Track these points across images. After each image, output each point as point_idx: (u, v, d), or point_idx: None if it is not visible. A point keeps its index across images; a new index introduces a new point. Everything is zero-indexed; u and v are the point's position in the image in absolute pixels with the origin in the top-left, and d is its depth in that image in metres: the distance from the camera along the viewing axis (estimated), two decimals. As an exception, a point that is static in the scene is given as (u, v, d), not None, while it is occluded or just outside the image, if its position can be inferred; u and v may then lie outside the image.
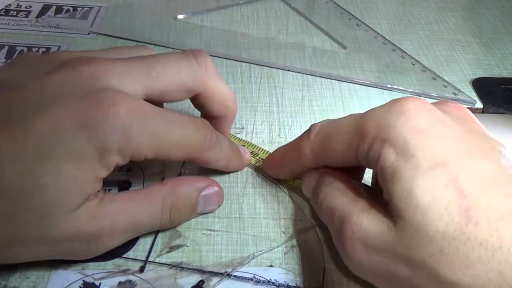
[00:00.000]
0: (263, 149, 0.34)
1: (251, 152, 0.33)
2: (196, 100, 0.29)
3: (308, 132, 0.28)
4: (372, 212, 0.23)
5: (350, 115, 0.26)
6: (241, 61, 0.43)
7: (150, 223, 0.27)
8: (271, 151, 0.33)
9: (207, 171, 0.31)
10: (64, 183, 0.23)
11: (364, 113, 0.25)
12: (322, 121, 0.28)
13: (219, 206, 0.30)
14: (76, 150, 0.23)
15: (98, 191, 0.25)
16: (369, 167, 0.26)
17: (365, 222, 0.23)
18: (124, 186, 0.31)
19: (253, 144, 0.34)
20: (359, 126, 0.25)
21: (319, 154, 0.28)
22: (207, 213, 0.29)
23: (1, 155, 0.22)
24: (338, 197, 0.26)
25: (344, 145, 0.26)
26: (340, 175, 0.27)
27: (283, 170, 0.31)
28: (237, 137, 0.35)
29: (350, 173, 0.28)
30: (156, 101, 0.27)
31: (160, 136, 0.25)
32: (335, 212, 0.25)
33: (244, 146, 0.33)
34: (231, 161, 0.31)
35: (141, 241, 0.28)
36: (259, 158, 0.33)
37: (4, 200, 0.22)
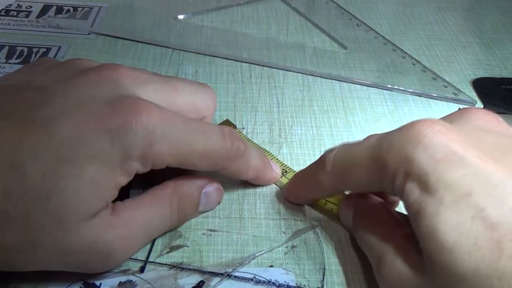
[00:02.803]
0: (289, 168, 0.33)
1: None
2: None
3: (322, 162, 0.27)
4: (405, 253, 0.23)
5: (365, 141, 0.25)
6: (242, 61, 0.43)
7: (162, 225, 0.27)
8: (296, 169, 0.32)
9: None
10: (84, 186, 0.22)
11: (380, 140, 0.24)
12: (336, 149, 0.27)
13: (219, 203, 0.30)
14: (98, 154, 0.23)
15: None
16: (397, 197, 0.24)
17: (398, 265, 0.23)
18: (123, 187, 0.30)
19: (280, 161, 0.33)
20: (377, 158, 0.23)
21: (339, 185, 0.27)
22: (208, 210, 0.30)
23: (23, 155, 0.22)
24: (374, 235, 0.25)
25: (365, 178, 0.25)
26: (376, 206, 0.26)
27: (303, 198, 0.30)
28: (268, 151, 0.34)
29: (386, 197, 0.27)
30: None
31: (183, 144, 0.25)
32: (372, 249, 0.25)
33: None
34: (261, 173, 0.30)
35: (142, 241, 0.28)
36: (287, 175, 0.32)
37: (23, 200, 0.22)
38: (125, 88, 0.25)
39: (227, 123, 0.36)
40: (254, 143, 0.34)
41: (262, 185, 0.31)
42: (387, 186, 0.23)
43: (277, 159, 0.33)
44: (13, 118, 0.23)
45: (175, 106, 0.27)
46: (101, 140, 0.23)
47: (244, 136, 0.35)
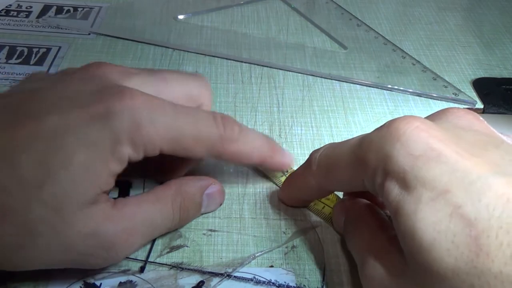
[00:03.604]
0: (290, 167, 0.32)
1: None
2: None
3: (309, 162, 0.27)
4: (388, 254, 0.23)
5: (348, 141, 0.25)
6: (242, 62, 0.43)
7: (163, 225, 0.27)
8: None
9: (208, 171, 0.31)
10: (76, 173, 0.23)
11: (361, 139, 0.24)
12: (322, 148, 0.27)
13: (220, 205, 0.30)
14: (87, 139, 0.23)
15: (111, 196, 0.25)
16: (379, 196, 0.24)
17: (380, 265, 0.22)
18: (124, 186, 0.30)
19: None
20: (358, 157, 0.23)
21: (325, 184, 0.27)
22: (209, 212, 0.30)
23: (14, 146, 0.22)
24: (360, 236, 0.25)
25: (347, 177, 0.25)
26: (364, 208, 0.26)
27: (295, 200, 0.30)
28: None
29: (376, 198, 0.27)
30: None
31: (172, 126, 0.25)
32: (358, 252, 0.25)
33: None
34: (268, 157, 0.29)
35: (142, 242, 0.28)
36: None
37: (17, 191, 0.22)
38: (112, 81, 0.26)
39: None
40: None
41: (275, 171, 0.31)
42: (369, 185, 0.23)
43: None
44: (7, 115, 0.24)
45: (166, 96, 0.27)
46: (89, 126, 0.23)
47: None
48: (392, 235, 0.23)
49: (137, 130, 0.24)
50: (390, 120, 0.23)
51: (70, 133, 0.23)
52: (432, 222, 0.20)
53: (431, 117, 0.25)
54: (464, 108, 0.24)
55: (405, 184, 0.21)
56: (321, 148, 0.27)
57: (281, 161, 0.30)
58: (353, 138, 0.25)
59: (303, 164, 0.28)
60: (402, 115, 0.37)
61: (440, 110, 0.25)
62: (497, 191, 0.19)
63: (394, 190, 0.21)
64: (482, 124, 0.24)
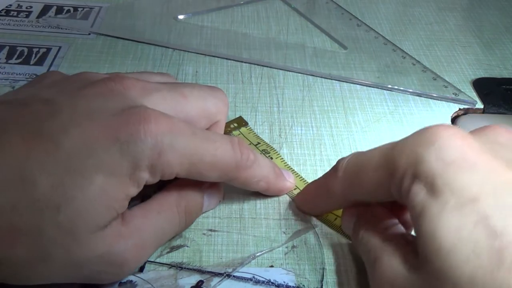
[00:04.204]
0: (290, 167, 0.33)
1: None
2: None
3: (335, 168, 0.27)
4: (402, 254, 0.22)
5: (379, 147, 0.25)
6: (242, 62, 0.43)
7: (171, 231, 0.27)
8: (308, 180, 0.31)
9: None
10: (93, 197, 0.22)
11: (394, 144, 0.24)
12: (349, 155, 0.27)
13: (220, 202, 0.30)
14: (107, 164, 0.22)
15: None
16: (404, 204, 0.24)
17: (395, 264, 0.22)
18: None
19: (285, 161, 0.33)
20: (389, 160, 0.23)
21: (349, 192, 0.26)
22: (209, 210, 0.30)
23: (31, 167, 0.22)
24: (374, 237, 0.25)
25: (375, 182, 0.24)
26: (379, 212, 0.26)
27: (314, 208, 0.30)
28: (285, 162, 0.33)
29: (391, 209, 0.27)
30: None
31: (192, 153, 0.25)
32: (370, 251, 0.25)
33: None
34: (272, 183, 0.30)
35: (142, 241, 0.28)
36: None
37: (31, 212, 0.21)
38: (132, 99, 0.25)
39: (240, 120, 0.36)
40: (265, 142, 0.34)
41: (275, 196, 0.31)
42: (394, 190, 0.23)
43: (282, 158, 0.33)
44: (21, 131, 0.23)
45: (185, 113, 0.27)
46: (110, 150, 0.22)
47: (255, 134, 0.35)
48: (408, 239, 0.23)
49: (158, 157, 0.23)
50: (426, 127, 0.23)
51: (90, 156, 0.22)
52: (455, 228, 0.19)
53: (472, 131, 0.24)
54: (504, 127, 0.24)
55: (433, 188, 0.21)
56: (348, 156, 0.27)
57: (283, 186, 0.30)
58: (384, 144, 0.24)
59: (327, 172, 0.28)
60: (402, 115, 0.38)
61: (481, 127, 0.25)
62: None
63: (420, 193, 0.21)
64: None
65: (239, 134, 0.35)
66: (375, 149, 0.25)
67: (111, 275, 0.24)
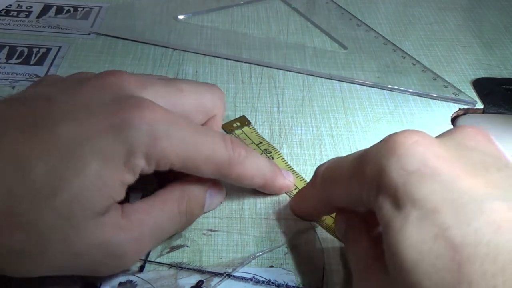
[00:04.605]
0: (291, 167, 0.33)
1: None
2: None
3: (314, 175, 0.27)
4: (376, 270, 0.22)
5: (352, 154, 0.24)
6: (242, 62, 0.43)
7: (171, 228, 0.27)
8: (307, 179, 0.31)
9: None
10: (89, 182, 0.22)
11: (362, 152, 0.23)
12: (327, 161, 0.27)
13: (220, 203, 0.30)
14: (102, 150, 0.23)
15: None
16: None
17: (370, 281, 0.22)
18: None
19: (286, 161, 0.33)
20: (357, 169, 0.23)
21: (327, 198, 0.26)
22: (210, 210, 0.30)
23: (28, 154, 0.22)
24: (360, 246, 0.24)
25: (347, 191, 0.24)
26: (362, 222, 0.25)
27: (304, 213, 0.30)
28: (286, 162, 0.33)
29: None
30: None
31: (188, 144, 0.25)
32: (352, 263, 0.25)
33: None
34: (269, 180, 0.29)
35: (142, 241, 0.28)
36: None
37: (28, 198, 0.22)
38: (128, 91, 0.25)
39: (243, 119, 0.36)
40: (267, 142, 0.34)
41: (274, 194, 0.31)
42: (365, 200, 0.22)
43: (283, 158, 0.33)
44: (19, 125, 0.23)
45: (181, 107, 0.27)
46: (105, 136, 0.23)
47: (257, 133, 0.35)
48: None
49: (153, 144, 0.24)
50: (391, 134, 0.22)
51: (85, 143, 0.23)
52: (416, 242, 0.18)
53: (441, 134, 0.24)
54: (474, 128, 0.23)
55: (396, 200, 0.20)
56: (326, 162, 0.27)
57: (282, 184, 0.30)
58: (357, 151, 0.24)
59: (311, 178, 0.28)
60: (402, 115, 0.38)
61: (451, 128, 0.24)
62: (490, 216, 0.18)
63: (385, 206, 0.20)
64: (491, 146, 0.22)
65: (242, 133, 0.35)
66: (348, 156, 0.25)
67: (110, 267, 0.24)
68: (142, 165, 0.24)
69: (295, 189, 0.31)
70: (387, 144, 0.22)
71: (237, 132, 0.35)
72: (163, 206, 0.26)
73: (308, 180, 0.32)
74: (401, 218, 0.19)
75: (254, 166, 0.28)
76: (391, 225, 0.20)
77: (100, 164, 0.23)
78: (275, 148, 0.34)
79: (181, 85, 0.28)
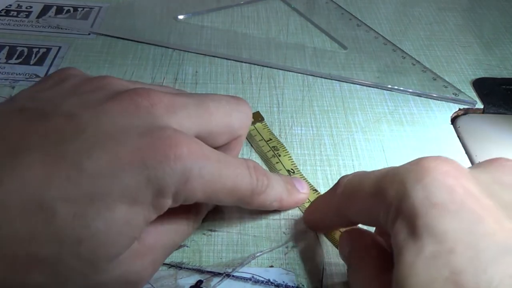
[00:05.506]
0: (297, 168, 0.32)
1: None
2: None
3: (336, 185, 0.26)
4: None
5: (377, 171, 0.23)
6: (242, 62, 0.43)
7: (181, 241, 0.27)
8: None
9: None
10: (115, 228, 0.21)
11: (388, 170, 0.22)
12: (352, 174, 0.26)
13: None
14: (132, 191, 0.21)
15: None
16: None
17: None
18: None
19: (292, 160, 0.33)
20: (379, 188, 0.22)
21: (345, 211, 0.25)
22: (210, 210, 0.30)
23: (52, 194, 0.20)
24: (362, 274, 0.23)
25: (367, 207, 0.23)
26: (371, 244, 0.25)
27: (318, 224, 0.29)
28: (292, 161, 0.33)
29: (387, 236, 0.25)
30: (202, 141, 0.25)
31: (216, 180, 0.24)
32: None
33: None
34: (285, 201, 0.29)
35: (142, 242, 0.28)
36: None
37: (51, 244, 0.20)
38: (158, 117, 0.24)
39: (257, 115, 0.36)
40: (276, 139, 0.34)
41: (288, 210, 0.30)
42: (382, 220, 0.22)
43: (290, 157, 0.33)
44: (42, 150, 0.21)
45: (209, 130, 0.26)
46: (136, 176, 0.21)
47: (269, 130, 0.35)
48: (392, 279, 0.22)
49: (184, 184, 0.22)
50: (422, 157, 0.21)
51: (113, 181, 0.21)
52: (425, 282, 0.18)
53: (476, 165, 0.23)
54: (510, 163, 0.22)
55: (413, 229, 0.19)
56: (351, 174, 0.26)
57: (297, 201, 0.30)
58: (382, 169, 0.23)
59: (331, 187, 0.27)
60: (402, 115, 0.38)
61: (488, 160, 0.23)
62: (507, 268, 0.17)
63: (401, 232, 0.20)
64: None
65: (254, 129, 0.35)
66: (374, 171, 0.24)
67: None
68: (169, 204, 0.23)
69: (307, 202, 0.31)
70: (416, 168, 0.21)
71: (249, 127, 0.35)
72: (172, 221, 0.26)
73: (308, 180, 0.32)
74: (415, 249, 0.19)
75: (273, 192, 0.28)
76: (403, 254, 0.19)
77: (129, 208, 0.21)
78: (283, 146, 0.34)
79: (210, 105, 0.26)
